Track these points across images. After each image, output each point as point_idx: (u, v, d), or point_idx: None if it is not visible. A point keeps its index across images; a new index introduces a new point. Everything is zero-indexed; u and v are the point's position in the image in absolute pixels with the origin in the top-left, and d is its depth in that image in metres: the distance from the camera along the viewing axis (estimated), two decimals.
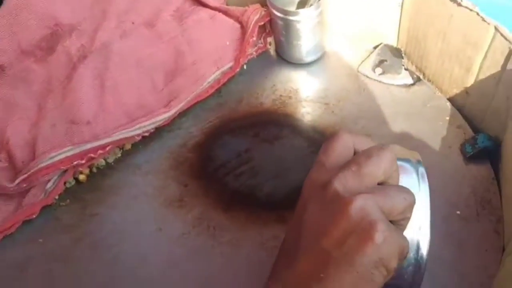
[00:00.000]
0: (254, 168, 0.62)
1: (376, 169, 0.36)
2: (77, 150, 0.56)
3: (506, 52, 0.54)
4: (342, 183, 0.35)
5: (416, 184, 0.39)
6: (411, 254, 0.38)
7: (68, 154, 0.56)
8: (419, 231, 0.38)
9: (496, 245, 0.52)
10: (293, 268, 0.34)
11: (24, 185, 0.55)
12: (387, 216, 0.34)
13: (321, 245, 0.33)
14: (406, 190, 0.36)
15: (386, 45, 0.71)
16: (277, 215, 0.57)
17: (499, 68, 0.56)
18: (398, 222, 0.36)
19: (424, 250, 0.39)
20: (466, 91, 0.63)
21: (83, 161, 0.57)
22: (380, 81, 0.68)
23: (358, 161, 0.36)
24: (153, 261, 0.53)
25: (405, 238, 0.35)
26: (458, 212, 0.56)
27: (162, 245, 0.55)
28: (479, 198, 0.57)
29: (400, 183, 0.38)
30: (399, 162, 0.39)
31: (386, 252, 0.32)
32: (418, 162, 0.41)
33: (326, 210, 0.34)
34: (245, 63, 0.70)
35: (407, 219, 0.36)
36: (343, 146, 0.38)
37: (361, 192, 0.34)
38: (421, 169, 0.40)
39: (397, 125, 0.64)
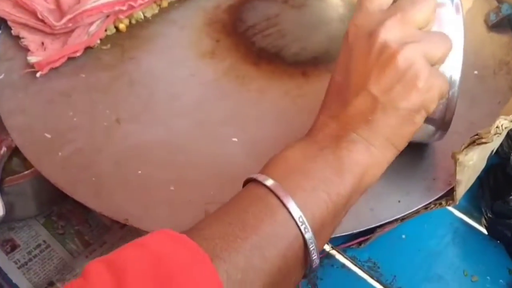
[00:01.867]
0: (282, 31, 0.65)
1: (420, 15, 0.37)
2: None
3: None
4: (389, 32, 0.36)
5: (453, 16, 0.41)
6: None
7: None
8: (452, 68, 0.41)
9: (509, 98, 0.55)
10: (345, 108, 0.38)
11: (70, 24, 0.59)
12: (429, 61, 0.37)
13: (370, 92, 0.36)
14: (445, 37, 0.39)
15: None
16: (302, 70, 0.61)
17: None
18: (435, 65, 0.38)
19: (456, 87, 0.41)
20: None
21: (124, 8, 0.61)
22: None
23: (402, 7, 0.37)
24: (185, 100, 0.58)
25: (445, 80, 0.38)
26: (476, 72, 0.59)
27: (194, 88, 0.59)
28: (497, 61, 0.60)
29: (438, 15, 0.40)
30: None
31: (428, 98, 0.36)
32: None
33: (374, 59, 0.37)
34: None
35: (443, 62, 0.39)
36: None
37: (406, 41, 0.36)
38: (456, 1, 0.42)
39: None
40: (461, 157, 0.44)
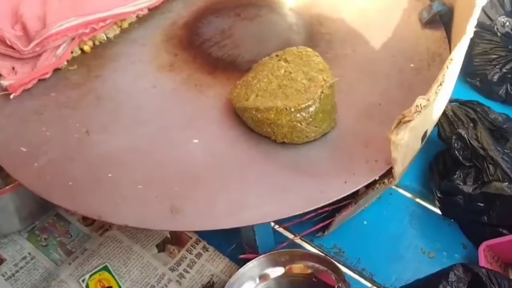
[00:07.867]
0: (236, 41, 0.71)
1: None
2: (80, 20, 0.66)
3: None
4: None
5: None
6: None
7: (73, 23, 0.65)
8: None
9: None
10: None
11: (37, 49, 0.64)
12: None
13: None
14: None
15: None
16: None
17: None
18: None
19: None
20: None
21: (87, 31, 0.66)
22: None
23: None
24: (148, 109, 0.63)
25: None
26: (412, 65, 0.65)
27: (155, 98, 0.64)
28: (431, 54, 0.66)
29: None
30: None
31: None
32: None
33: None
34: None
35: None
36: None
37: None
38: None
39: (364, 2, 0.73)
40: (393, 137, 0.49)
